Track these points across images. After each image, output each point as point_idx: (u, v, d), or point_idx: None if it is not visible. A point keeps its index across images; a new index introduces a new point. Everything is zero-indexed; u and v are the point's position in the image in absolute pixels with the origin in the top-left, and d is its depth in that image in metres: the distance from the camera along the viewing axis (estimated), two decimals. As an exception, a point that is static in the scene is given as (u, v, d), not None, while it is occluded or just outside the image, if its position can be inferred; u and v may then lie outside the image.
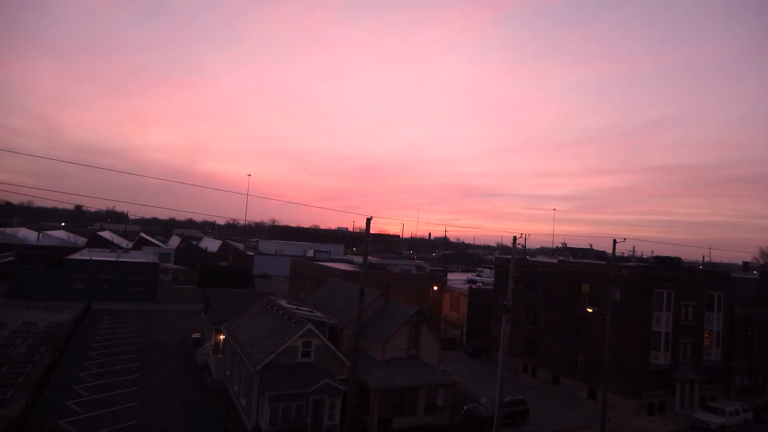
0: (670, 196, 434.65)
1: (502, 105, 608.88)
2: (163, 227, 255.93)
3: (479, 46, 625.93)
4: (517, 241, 31.14)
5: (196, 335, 51.56)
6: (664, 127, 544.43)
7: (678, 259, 51.71)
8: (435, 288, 65.27)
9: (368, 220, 27.74)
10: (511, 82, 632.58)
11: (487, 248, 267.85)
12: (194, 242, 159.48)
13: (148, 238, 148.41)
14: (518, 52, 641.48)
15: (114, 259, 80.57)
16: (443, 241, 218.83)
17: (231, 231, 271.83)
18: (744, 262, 71.13)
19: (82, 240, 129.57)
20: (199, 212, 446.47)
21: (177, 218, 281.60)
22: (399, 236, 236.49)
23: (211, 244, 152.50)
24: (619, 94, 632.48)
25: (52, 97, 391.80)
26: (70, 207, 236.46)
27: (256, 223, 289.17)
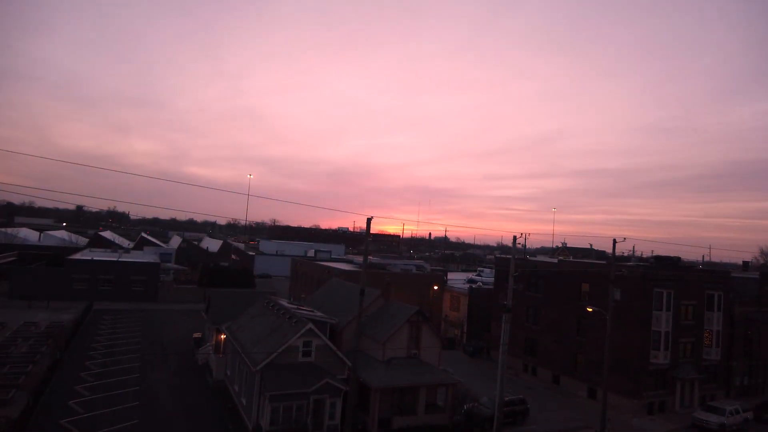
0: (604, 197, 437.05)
1: (437, 117, 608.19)
2: (163, 228, 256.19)
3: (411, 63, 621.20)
4: (517, 241, 31.24)
5: (197, 335, 51.67)
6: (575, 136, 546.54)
7: (678, 259, 51.76)
8: (435, 288, 65.37)
9: (368, 220, 27.83)
10: (438, 98, 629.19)
11: (487, 248, 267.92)
12: (195, 242, 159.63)
13: (149, 238, 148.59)
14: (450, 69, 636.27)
15: (115, 259, 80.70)
16: (443, 241, 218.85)
17: (232, 231, 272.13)
18: (744, 262, 71.16)
19: (83, 240, 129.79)
20: (199, 212, 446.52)
21: (178, 218, 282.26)
22: (399, 236, 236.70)
23: (212, 244, 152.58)
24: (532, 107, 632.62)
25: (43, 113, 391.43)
26: (71, 207, 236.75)
27: (257, 223, 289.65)
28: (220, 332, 41.29)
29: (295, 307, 39.21)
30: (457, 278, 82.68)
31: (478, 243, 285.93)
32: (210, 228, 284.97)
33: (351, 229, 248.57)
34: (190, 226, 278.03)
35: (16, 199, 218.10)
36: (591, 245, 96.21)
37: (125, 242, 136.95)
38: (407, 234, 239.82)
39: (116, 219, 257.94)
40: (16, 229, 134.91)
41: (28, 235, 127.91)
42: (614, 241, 34.72)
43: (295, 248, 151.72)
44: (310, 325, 32.46)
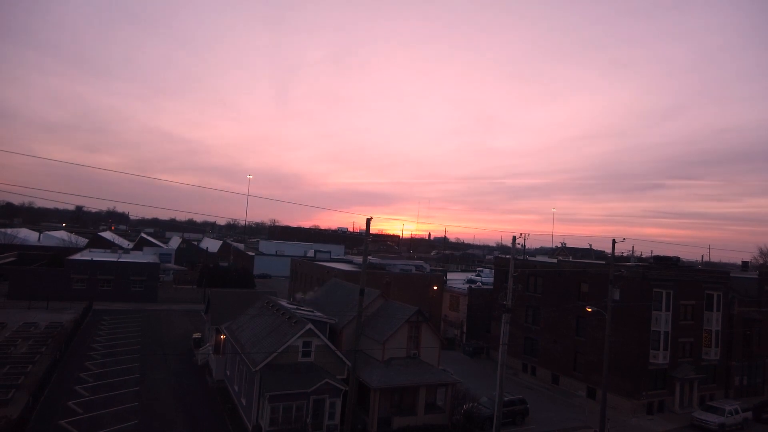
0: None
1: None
2: (163, 228, 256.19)
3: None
4: (517, 241, 31.27)
5: (196, 335, 51.68)
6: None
7: (677, 259, 51.80)
8: (435, 288, 65.40)
9: (368, 221, 27.84)
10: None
11: (486, 248, 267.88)
12: (195, 242, 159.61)
13: (148, 238, 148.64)
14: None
15: (115, 260, 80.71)
16: (443, 241, 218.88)
17: (232, 231, 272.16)
18: (743, 262, 71.18)
19: (83, 240, 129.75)
20: (199, 213, 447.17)
21: (177, 218, 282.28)
22: (399, 236, 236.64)
23: (212, 245, 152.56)
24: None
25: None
26: (71, 207, 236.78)
27: (257, 223, 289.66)
28: (219, 332, 41.31)
29: (295, 307, 39.22)
30: (456, 278, 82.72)
31: (478, 243, 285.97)
32: (209, 228, 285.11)
33: (350, 229, 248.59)
34: (190, 226, 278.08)
35: (16, 200, 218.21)
36: (590, 245, 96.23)
37: (125, 242, 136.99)
38: (406, 234, 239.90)
39: (115, 219, 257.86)
40: (15, 229, 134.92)
41: (27, 235, 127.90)
42: (614, 241, 34.76)
43: (295, 248, 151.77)
44: (310, 326, 32.48)
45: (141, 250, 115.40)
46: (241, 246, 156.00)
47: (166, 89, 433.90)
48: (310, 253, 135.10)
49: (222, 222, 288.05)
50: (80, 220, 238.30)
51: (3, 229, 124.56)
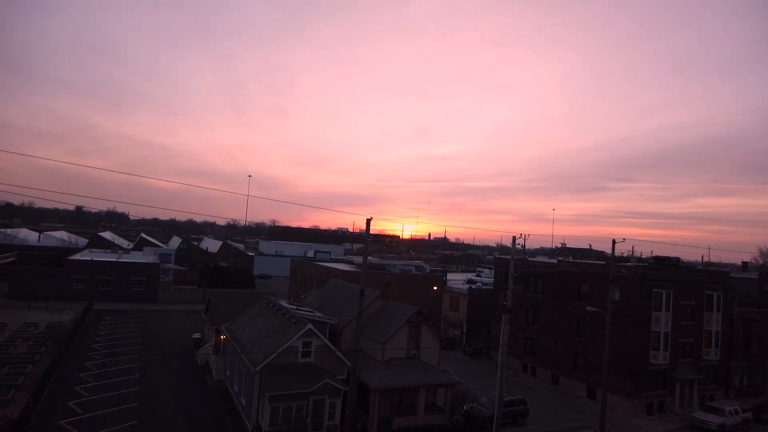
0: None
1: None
2: (163, 228, 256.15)
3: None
4: (517, 242, 31.27)
5: (196, 335, 51.68)
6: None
7: (677, 259, 51.80)
8: (435, 288, 65.38)
9: (368, 221, 27.83)
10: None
11: (486, 248, 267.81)
12: (195, 243, 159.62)
13: (148, 238, 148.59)
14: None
15: (115, 260, 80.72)
16: (443, 241, 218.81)
17: (232, 231, 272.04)
18: (743, 262, 71.19)
19: (83, 241, 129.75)
20: (199, 213, 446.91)
21: (177, 218, 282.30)
22: (399, 236, 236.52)
23: (212, 245, 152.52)
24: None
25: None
26: (71, 208, 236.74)
27: (257, 224, 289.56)
28: (219, 333, 41.30)
29: (295, 307, 39.21)
30: (456, 278, 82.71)
31: (478, 243, 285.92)
32: (210, 228, 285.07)
33: (350, 229, 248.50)
34: (190, 226, 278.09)
35: (16, 200, 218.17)
36: (590, 245, 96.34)
37: (125, 243, 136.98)
38: (406, 234, 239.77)
39: (115, 220, 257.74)
40: (15, 229, 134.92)
41: (27, 235, 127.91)
42: (613, 242, 34.73)
43: (295, 249, 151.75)
44: (310, 326, 32.48)
45: (141, 250, 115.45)
46: (241, 246, 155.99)
47: (128, 102, 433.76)
48: (310, 254, 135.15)
49: (222, 222, 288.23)
50: (81, 220, 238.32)
51: (3, 230, 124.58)
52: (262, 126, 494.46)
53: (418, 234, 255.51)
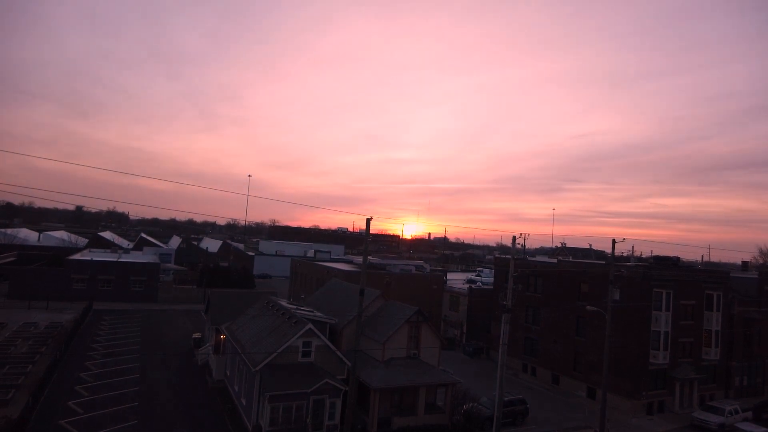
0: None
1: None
2: (163, 228, 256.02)
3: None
4: (517, 241, 31.27)
5: (196, 335, 51.69)
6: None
7: (677, 259, 51.80)
8: (435, 288, 65.39)
9: (368, 221, 27.83)
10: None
11: (486, 248, 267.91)
12: (195, 242, 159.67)
13: (148, 238, 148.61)
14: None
15: (115, 260, 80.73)
16: (443, 241, 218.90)
17: (232, 231, 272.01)
18: (743, 262, 71.14)
19: (83, 240, 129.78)
20: (199, 213, 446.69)
21: (178, 218, 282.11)
22: (399, 236, 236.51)
23: (212, 245, 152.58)
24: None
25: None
26: (71, 208, 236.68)
27: (257, 224, 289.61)
28: (219, 332, 41.31)
29: (295, 307, 39.21)
30: (456, 278, 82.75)
31: (478, 243, 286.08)
32: (210, 228, 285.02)
33: (350, 229, 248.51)
34: (190, 226, 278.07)
35: (16, 200, 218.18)
36: (590, 245, 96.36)
37: (125, 242, 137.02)
38: (406, 234, 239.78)
39: (115, 219, 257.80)
40: (15, 229, 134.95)
41: (27, 235, 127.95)
42: (613, 241, 34.75)
43: (295, 248, 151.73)
44: (310, 326, 32.49)
45: (141, 250, 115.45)
46: (241, 246, 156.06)
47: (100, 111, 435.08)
48: (310, 253, 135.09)
49: (222, 222, 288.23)
50: (81, 220, 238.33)
51: (3, 229, 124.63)
52: (231, 132, 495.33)
53: (418, 234, 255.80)
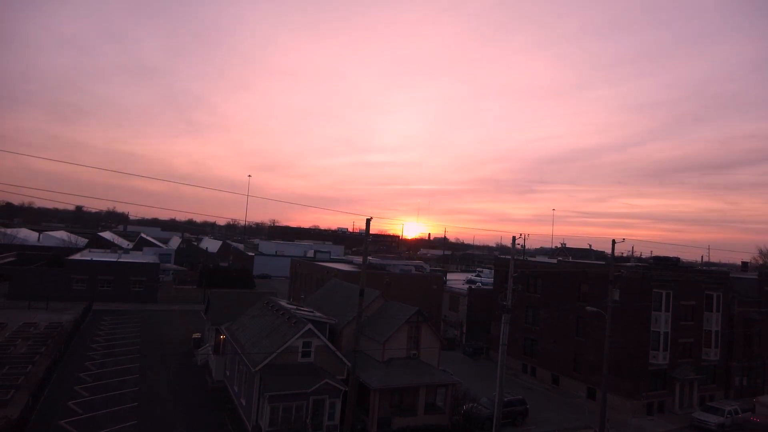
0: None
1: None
2: (163, 228, 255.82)
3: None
4: (517, 242, 31.27)
5: (196, 335, 51.66)
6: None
7: (677, 259, 51.79)
8: (435, 288, 65.37)
9: (368, 221, 27.83)
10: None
11: (486, 248, 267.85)
12: (194, 243, 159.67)
13: (148, 238, 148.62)
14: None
15: (114, 260, 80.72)
16: (443, 242, 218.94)
17: (231, 231, 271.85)
18: (743, 262, 71.14)
19: (82, 240, 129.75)
20: (199, 213, 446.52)
21: (177, 218, 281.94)
22: (399, 237, 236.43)
23: (212, 245, 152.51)
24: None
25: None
26: (71, 208, 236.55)
27: (257, 224, 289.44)
28: (219, 333, 41.29)
29: (295, 307, 39.22)
30: (456, 279, 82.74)
31: (478, 243, 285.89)
32: (210, 229, 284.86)
33: (350, 229, 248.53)
34: (190, 226, 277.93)
35: (16, 200, 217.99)
36: (590, 246, 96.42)
37: (124, 243, 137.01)
38: (406, 235, 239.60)
39: (115, 220, 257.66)
40: (15, 229, 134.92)
41: (27, 235, 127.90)
42: (613, 242, 34.74)
43: (295, 249, 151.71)
44: (310, 326, 32.48)
45: (141, 250, 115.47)
46: (241, 246, 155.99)
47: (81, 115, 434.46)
48: (310, 254, 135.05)
49: (222, 222, 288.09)
50: (81, 220, 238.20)
51: (3, 229, 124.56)
52: (211, 137, 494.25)
53: (416, 236, 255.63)
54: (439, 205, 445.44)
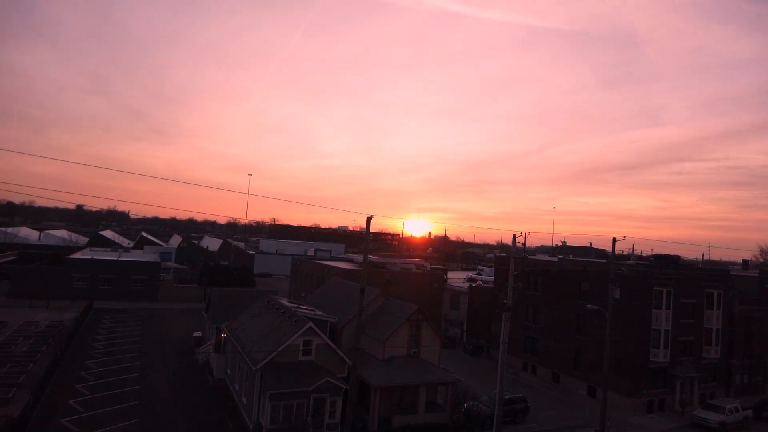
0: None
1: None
2: (163, 227, 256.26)
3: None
4: (517, 240, 31.27)
5: (197, 334, 51.72)
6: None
7: (678, 257, 51.75)
8: (435, 286, 65.38)
9: (368, 219, 27.82)
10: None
11: (487, 247, 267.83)
12: (195, 241, 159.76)
13: (149, 237, 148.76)
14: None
15: (115, 259, 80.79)
16: (443, 240, 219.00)
17: (232, 230, 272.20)
18: (743, 260, 71.10)
19: (83, 239, 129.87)
20: (199, 212, 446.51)
21: (178, 217, 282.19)
22: (399, 235, 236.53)
23: (212, 243, 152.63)
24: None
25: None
26: (72, 207, 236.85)
27: (257, 222, 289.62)
28: (220, 331, 41.34)
29: (295, 305, 39.26)
30: (457, 277, 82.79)
31: (478, 242, 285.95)
32: (210, 227, 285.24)
33: (351, 228, 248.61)
34: (191, 225, 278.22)
35: (17, 199, 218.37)
36: (591, 244, 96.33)
37: (125, 241, 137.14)
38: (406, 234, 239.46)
39: (115, 219, 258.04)
40: (16, 228, 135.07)
41: (28, 234, 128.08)
42: (614, 240, 34.73)
43: (295, 247, 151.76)
44: (310, 324, 32.50)
45: (141, 248, 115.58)
46: (241, 245, 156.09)
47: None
48: (311, 252, 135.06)
49: (222, 221, 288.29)
50: (81, 219, 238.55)
51: (4, 228, 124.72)
52: (184, 143, 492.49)
53: (417, 236, 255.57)
54: (408, 205, 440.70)
